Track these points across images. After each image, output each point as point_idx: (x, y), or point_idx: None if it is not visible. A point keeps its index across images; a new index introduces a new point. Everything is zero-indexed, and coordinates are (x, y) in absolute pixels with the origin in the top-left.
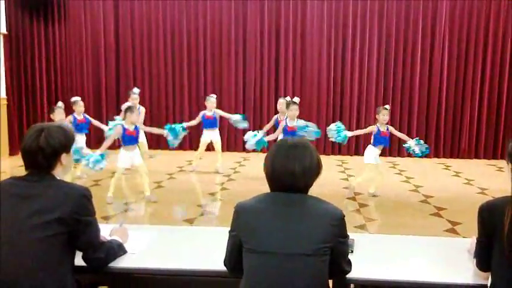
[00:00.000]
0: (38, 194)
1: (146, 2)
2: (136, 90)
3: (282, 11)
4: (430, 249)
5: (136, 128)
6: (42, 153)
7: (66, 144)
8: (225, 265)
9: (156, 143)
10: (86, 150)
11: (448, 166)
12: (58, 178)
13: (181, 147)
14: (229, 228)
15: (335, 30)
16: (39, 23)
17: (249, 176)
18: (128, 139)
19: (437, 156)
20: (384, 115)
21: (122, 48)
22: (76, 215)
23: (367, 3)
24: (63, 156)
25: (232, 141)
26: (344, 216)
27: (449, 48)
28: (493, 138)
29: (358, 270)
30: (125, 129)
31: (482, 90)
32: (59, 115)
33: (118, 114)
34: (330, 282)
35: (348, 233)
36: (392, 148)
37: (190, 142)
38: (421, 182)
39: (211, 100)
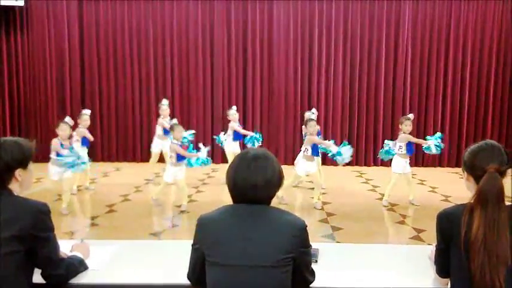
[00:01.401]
0: None
1: (112, 6)
2: (165, 101)
3: (248, 14)
4: (394, 257)
5: (187, 143)
6: None
7: (21, 159)
8: (188, 279)
9: (123, 155)
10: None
11: (413, 175)
12: (15, 194)
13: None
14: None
15: (301, 32)
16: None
17: (217, 187)
18: (181, 156)
19: None
20: (406, 125)
21: (86, 55)
22: (34, 231)
23: (332, 5)
24: (18, 172)
25: None
26: (306, 226)
27: (412, 51)
28: (456, 146)
29: (322, 280)
30: (180, 146)
31: (444, 97)
32: (62, 130)
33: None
34: None
35: (313, 243)
36: (359, 157)
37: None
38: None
39: (231, 113)
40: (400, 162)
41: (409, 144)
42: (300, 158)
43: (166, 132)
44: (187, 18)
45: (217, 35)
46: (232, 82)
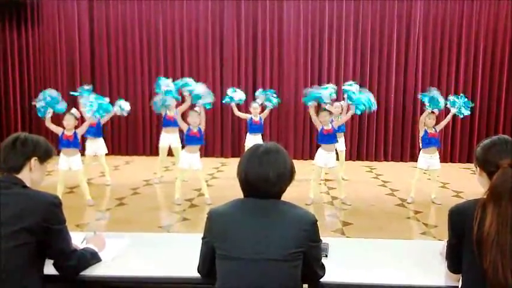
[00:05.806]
0: (6, 203)
1: (122, 2)
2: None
3: (258, 13)
4: (405, 252)
5: (199, 129)
6: (14, 151)
7: (40, 150)
8: (198, 271)
9: (133, 149)
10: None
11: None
12: (28, 186)
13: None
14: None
15: (311, 31)
16: (11, 28)
17: (227, 181)
18: (190, 139)
19: (413, 160)
20: (429, 119)
21: (97, 49)
22: (46, 224)
23: (343, 4)
24: (34, 160)
25: (210, 146)
26: (316, 221)
27: (423, 50)
28: (468, 141)
29: (332, 274)
30: (189, 129)
31: (456, 92)
32: (66, 120)
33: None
34: (305, 286)
35: (324, 237)
36: (369, 152)
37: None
38: (397, 185)
39: (254, 106)
40: (424, 157)
41: (425, 136)
42: (319, 150)
43: (169, 124)
44: (197, 15)
45: (227, 33)
46: (242, 80)
